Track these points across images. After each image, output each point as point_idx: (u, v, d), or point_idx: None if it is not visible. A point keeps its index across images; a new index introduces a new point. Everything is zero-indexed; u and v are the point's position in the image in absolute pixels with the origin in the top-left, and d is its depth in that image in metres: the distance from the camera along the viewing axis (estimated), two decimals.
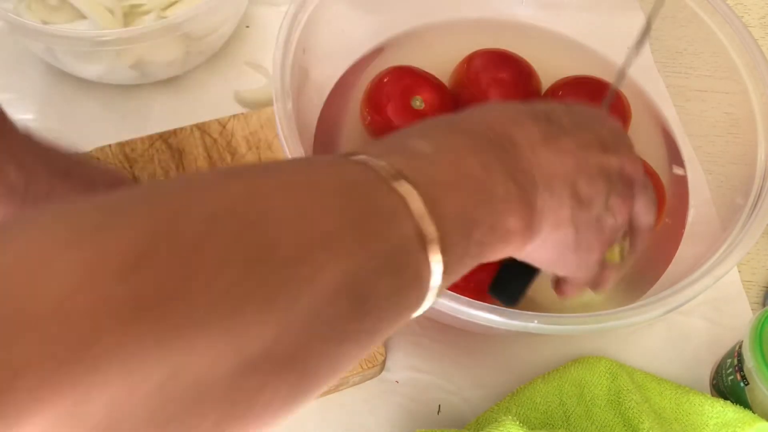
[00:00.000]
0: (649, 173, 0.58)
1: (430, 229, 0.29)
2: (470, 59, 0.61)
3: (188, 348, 0.23)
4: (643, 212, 0.41)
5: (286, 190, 0.27)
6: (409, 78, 0.59)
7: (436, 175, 0.31)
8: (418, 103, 0.58)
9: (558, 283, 0.43)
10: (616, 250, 0.43)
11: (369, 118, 0.59)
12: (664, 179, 0.59)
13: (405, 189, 0.29)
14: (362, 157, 0.30)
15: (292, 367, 0.25)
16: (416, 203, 0.29)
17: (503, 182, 0.33)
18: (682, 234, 0.57)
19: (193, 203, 0.25)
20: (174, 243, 0.23)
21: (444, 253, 0.30)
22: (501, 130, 0.35)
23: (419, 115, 0.58)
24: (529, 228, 0.34)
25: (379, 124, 0.58)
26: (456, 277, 0.32)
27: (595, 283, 0.42)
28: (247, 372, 0.24)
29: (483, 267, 0.35)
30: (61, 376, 0.21)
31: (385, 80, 0.59)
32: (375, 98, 0.59)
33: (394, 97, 0.58)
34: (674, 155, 0.61)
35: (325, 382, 0.27)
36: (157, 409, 0.22)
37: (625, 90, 0.61)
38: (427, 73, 0.60)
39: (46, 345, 0.21)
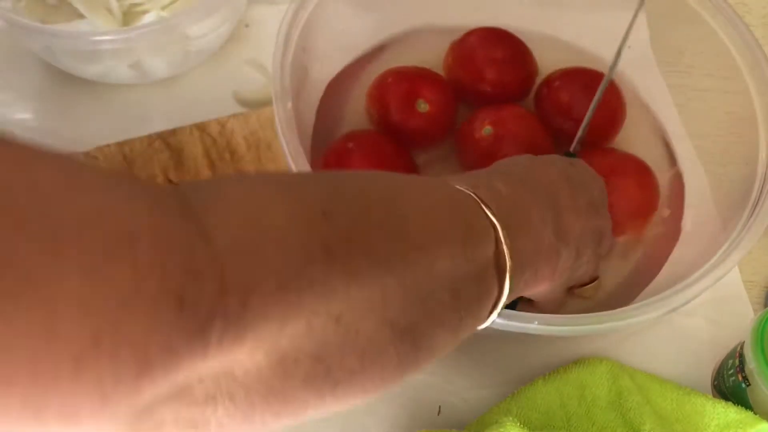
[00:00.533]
0: (644, 170, 0.58)
1: (508, 255, 0.34)
2: (465, 37, 0.61)
3: (356, 291, 0.26)
4: (606, 248, 0.48)
5: (413, 191, 0.33)
6: (412, 80, 0.59)
7: (513, 217, 0.36)
8: (422, 106, 0.58)
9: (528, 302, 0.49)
10: (590, 289, 0.50)
11: (375, 117, 0.59)
12: (663, 178, 0.59)
13: (494, 218, 0.35)
14: (458, 185, 0.36)
15: (406, 338, 0.29)
16: (502, 232, 0.34)
17: (549, 235, 0.39)
18: (679, 233, 0.57)
19: (351, 184, 0.31)
20: (348, 205, 0.28)
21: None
22: (551, 191, 0.41)
23: (424, 117, 0.58)
24: (552, 276, 0.41)
25: (385, 125, 0.59)
26: (502, 307, 0.36)
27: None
28: (381, 330, 0.28)
29: None
30: (279, 296, 0.24)
31: (389, 81, 0.59)
32: (380, 101, 0.59)
33: (399, 101, 0.58)
34: (673, 154, 0.61)
35: (423, 360, 0.31)
36: (319, 346, 0.25)
37: (624, 89, 0.61)
38: (429, 71, 0.60)
39: (272, 266, 0.24)
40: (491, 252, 0.34)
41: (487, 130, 0.56)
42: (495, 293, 0.35)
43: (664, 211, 0.59)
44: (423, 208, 0.32)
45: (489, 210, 0.35)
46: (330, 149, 0.56)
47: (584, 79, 0.60)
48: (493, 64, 0.60)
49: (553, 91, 0.60)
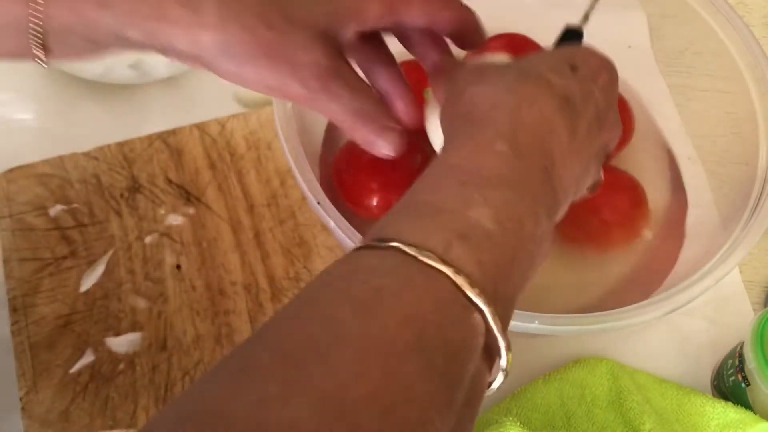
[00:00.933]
0: (635, 188, 0.58)
1: (503, 343, 0.28)
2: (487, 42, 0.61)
3: None
4: (612, 146, 0.41)
5: (367, 381, 0.24)
6: (420, 69, 0.60)
7: (502, 258, 0.30)
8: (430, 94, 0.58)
9: None
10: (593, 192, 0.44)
11: None
12: (663, 179, 0.59)
13: (481, 303, 0.28)
14: (428, 258, 0.28)
15: None
16: (493, 317, 0.28)
17: (545, 224, 0.33)
18: (683, 237, 0.57)
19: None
20: None
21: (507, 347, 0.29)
22: (544, 140, 0.34)
23: None
24: (547, 255, 0.34)
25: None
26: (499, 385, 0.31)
27: None
28: None
29: None
30: None
31: None
32: None
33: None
34: (673, 154, 0.61)
35: None
36: None
37: (623, 89, 0.61)
38: None
39: None
40: (480, 354, 0.28)
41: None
42: (488, 376, 0.29)
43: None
44: (385, 408, 0.24)
45: (472, 291, 0.28)
46: (341, 152, 0.57)
47: None
48: None
49: None
